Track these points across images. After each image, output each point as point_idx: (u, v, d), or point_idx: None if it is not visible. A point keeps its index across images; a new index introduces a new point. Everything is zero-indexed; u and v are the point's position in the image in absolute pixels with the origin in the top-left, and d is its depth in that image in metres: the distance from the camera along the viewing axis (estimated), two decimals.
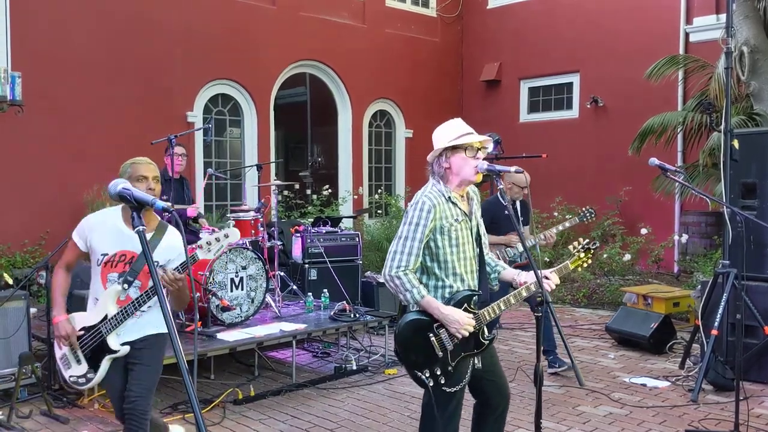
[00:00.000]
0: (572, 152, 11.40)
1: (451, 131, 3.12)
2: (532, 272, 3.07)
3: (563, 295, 9.09)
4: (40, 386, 4.83)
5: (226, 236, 3.25)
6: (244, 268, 5.86)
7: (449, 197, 3.09)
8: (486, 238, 3.33)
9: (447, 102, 12.60)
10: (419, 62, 12.38)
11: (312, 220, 8.99)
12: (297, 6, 10.74)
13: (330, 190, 11.09)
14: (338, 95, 11.64)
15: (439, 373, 3.01)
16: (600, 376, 5.76)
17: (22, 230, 7.99)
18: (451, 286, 3.08)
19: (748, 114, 8.26)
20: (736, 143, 5.44)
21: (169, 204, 2.24)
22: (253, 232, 6.36)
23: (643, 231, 9.82)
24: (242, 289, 5.82)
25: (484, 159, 3.13)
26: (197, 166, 9.71)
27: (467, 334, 2.98)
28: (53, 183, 8.24)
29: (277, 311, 6.23)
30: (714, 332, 5.17)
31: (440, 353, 3.01)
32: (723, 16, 8.30)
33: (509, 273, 3.25)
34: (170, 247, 3.27)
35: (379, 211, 11.93)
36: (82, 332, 3.27)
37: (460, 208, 3.11)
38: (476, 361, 3.12)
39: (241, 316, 5.80)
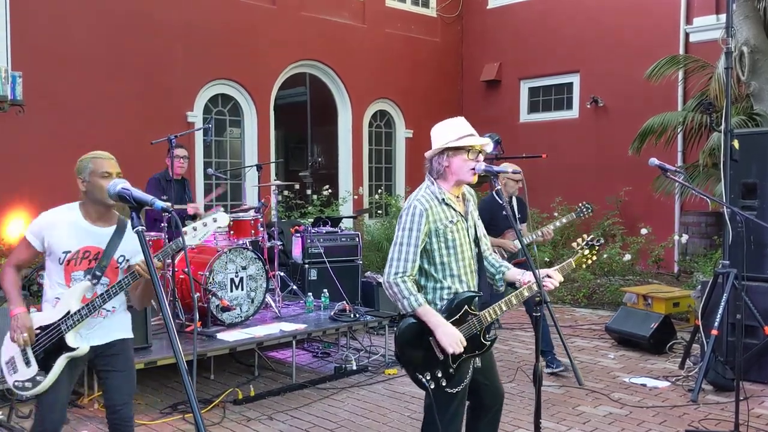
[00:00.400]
0: (572, 152, 11.40)
1: (453, 130, 3.09)
2: (541, 271, 3.05)
3: (563, 295, 9.09)
4: None
5: (215, 220, 3.06)
6: (244, 268, 5.86)
7: (443, 199, 3.07)
8: (487, 239, 3.32)
9: (447, 102, 12.60)
10: (419, 62, 12.38)
11: (312, 220, 8.99)
12: (297, 6, 10.74)
13: (330, 190, 11.09)
14: (338, 95, 11.64)
15: (440, 375, 3.00)
16: (600, 376, 5.76)
17: (22, 230, 7.98)
18: (449, 288, 3.07)
19: (748, 114, 8.26)
20: (736, 143, 5.43)
21: (169, 204, 2.24)
22: (253, 232, 6.36)
23: (643, 231, 9.82)
24: (242, 290, 5.82)
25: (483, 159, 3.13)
26: (197, 166, 9.71)
27: (458, 351, 2.95)
28: (53, 182, 8.22)
29: (277, 311, 6.23)
30: (714, 332, 5.17)
31: (441, 356, 3.00)
32: (723, 16, 8.30)
33: (513, 273, 3.23)
34: (134, 243, 3.17)
35: (379, 211, 11.94)
36: (39, 331, 3.08)
37: (454, 209, 3.10)
38: (476, 361, 3.12)
39: (241, 316, 5.80)
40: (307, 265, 7.34)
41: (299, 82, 11.70)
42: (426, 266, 3.08)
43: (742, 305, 4.90)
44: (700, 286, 6.17)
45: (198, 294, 5.55)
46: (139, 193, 2.26)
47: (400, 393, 5.31)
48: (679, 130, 9.70)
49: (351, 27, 11.52)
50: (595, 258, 3.26)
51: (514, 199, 5.86)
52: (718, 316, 5.18)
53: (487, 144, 3.15)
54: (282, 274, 6.88)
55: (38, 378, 3.05)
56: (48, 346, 3.07)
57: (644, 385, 5.49)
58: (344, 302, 6.19)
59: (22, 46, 8.06)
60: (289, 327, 5.63)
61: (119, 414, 3.15)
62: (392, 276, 3.00)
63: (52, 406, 3.09)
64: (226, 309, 5.64)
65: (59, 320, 3.06)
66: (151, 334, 4.95)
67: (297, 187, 10.66)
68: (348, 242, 7.65)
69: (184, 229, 2.99)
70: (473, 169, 3.05)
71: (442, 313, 3.01)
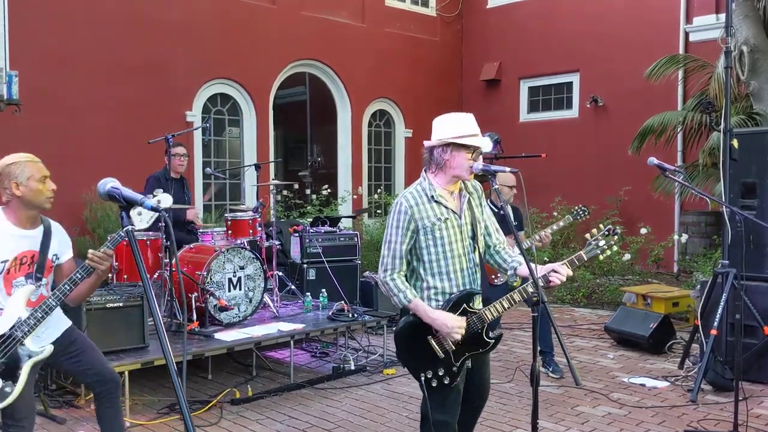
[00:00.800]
0: (572, 152, 11.39)
1: (462, 126, 3.03)
2: (545, 266, 3.02)
3: (563, 295, 9.07)
4: (37, 387, 4.80)
5: (158, 202, 2.80)
6: (242, 268, 5.84)
7: (432, 196, 3.04)
8: (500, 234, 3.26)
9: (446, 101, 12.55)
10: (419, 61, 12.37)
11: (311, 219, 8.97)
12: (297, 5, 10.73)
13: (329, 190, 11.08)
14: (338, 95, 11.62)
15: (442, 373, 2.99)
16: (599, 376, 5.74)
17: None
18: (435, 287, 3.05)
19: (748, 113, 8.25)
20: (735, 143, 5.42)
21: (159, 202, 2.22)
22: (251, 231, 6.34)
23: (643, 231, 9.81)
24: (240, 289, 5.80)
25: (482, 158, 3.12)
26: (196, 165, 9.69)
27: (458, 338, 2.94)
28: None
29: (275, 311, 6.21)
30: (713, 332, 5.15)
31: (442, 355, 2.98)
32: (723, 16, 8.27)
33: (526, 268, 3.07)
34: (64, 240, 3.28)
35: (379, 211, 11.92)
36: None
37: (445, 207, 3.07)
38: (467, 362, 3.09)
39: (239, 316, 5.78)
40: (305, 265, 7.32)
41: (298, 81, 11.68)
42: (415, 263, 3.08)
43: (742, 305, 4.89)
44: (699, 286, 6.16)
45: (195, 294, 5.53)
46: (129, 192, 2.25)
47: (399, 393, 5.29)
48: (678, 129, 9.69)
49: (350, 26, 11.50)
50: (618, 246, 3.15)
51: (508, 207, 5.74)
52: (718, 315, 5.16)
53: (486, 144, 3.15)
54: (280, 273, 6.86)
55: (6, 389, 2.96)
56: (5, 357, 2.96)
57: (643, 385, 5.47)
58: (342, 302, 6.17)
59: (20, 46, 8.04)
60: (287, 327, 5.61)
61: (109, 376, 3.21)
62: (382, 273, 3.05)
63: (21, 411, 3.07)
64: (223, 309, 5.61)
65: (11, 329, 2.96)
66: (147, 334, 4.93)
67: (296, 186, 10.64)
68: (347, 242, 7.63)
69: (131, 213, 2.81)
70: (471, 167, 3.04)
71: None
